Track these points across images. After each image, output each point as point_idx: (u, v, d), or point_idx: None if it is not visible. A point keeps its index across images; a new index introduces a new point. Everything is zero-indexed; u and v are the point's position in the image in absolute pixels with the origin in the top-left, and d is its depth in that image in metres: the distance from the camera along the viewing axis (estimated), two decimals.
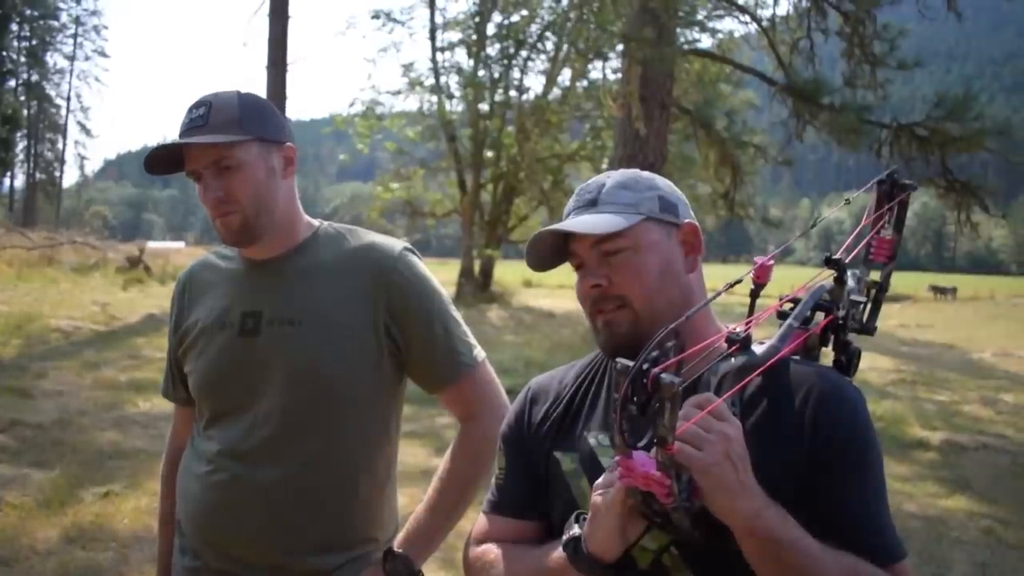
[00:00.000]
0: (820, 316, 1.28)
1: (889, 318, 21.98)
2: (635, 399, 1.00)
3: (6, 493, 4.99)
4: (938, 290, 33.90)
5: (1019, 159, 12.21)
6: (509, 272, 26.81)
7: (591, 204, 1.31)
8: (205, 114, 1.62)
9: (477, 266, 22.54)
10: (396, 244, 1.78)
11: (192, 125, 1.61)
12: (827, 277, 1.28)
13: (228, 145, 1.62)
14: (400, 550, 1.67)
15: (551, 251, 1.35)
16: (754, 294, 1.22)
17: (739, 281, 1.20)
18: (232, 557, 1.70)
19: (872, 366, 12.29)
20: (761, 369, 1.16)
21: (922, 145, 11.73)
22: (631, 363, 1.01)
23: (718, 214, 20.02)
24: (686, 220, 1.34)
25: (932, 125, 11.58)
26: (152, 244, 35.52)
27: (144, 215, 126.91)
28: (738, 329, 1.18)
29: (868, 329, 1.42)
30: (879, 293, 1.44)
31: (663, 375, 0.98)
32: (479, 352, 1.79)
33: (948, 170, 11.95)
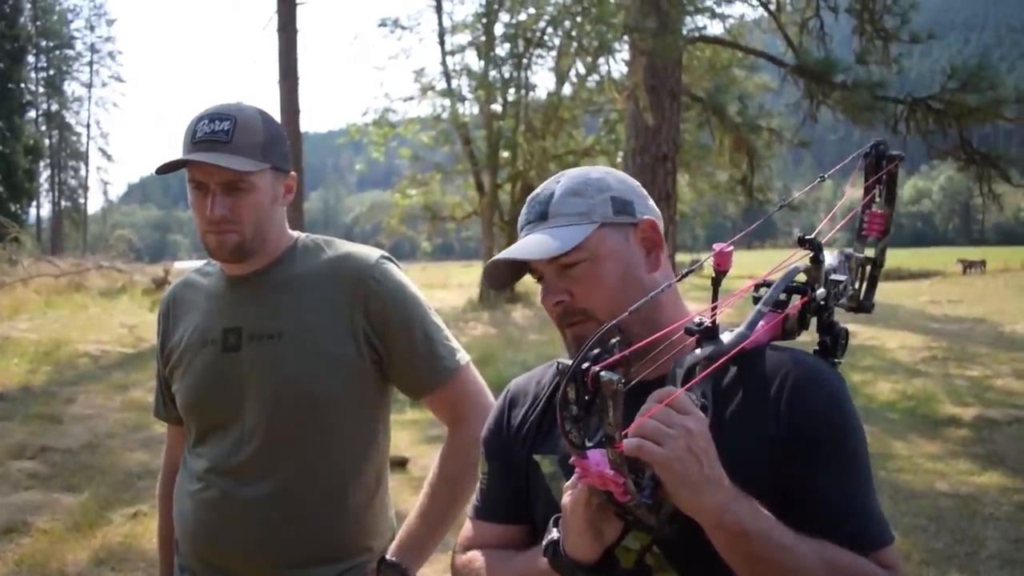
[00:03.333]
0: (798, 299, 1.24)
1: (918, 294, 21.70)
2: (581, 399, 0.98)
3: (36, 519, 5.05)
4: (967, 264, 33.43)
5: None
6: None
7: (541, 218, 1.27)
8: (230, 130, 1.60)
9: None
10: (372, 253, 1.78)
11: (214, 138, 1.59)
12: (802, 258, 1.23)
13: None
14: (393, 558, 1.66)
15: (510, 269, 1.33)
16: (715, 282, 1.15)
17: (693, 270, 1.16)
18: (228, 574, 1.70)
19: (902, 344, 12.16)
20: (726, 358, 1.11)
21: (938, 118, 11.57)
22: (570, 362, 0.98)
23: (737, 200, 19.89)
24: (644, 217, 1.28)
25: (947, 97, 11.43)
26: (179, 264, 35.84)
27: (169, 236, 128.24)
28: (699, 318, 1.13)
29: (865, 307, 1.40)
30: (874, 269, 1.40)
31: (603, 373, 0.95)
32: (462, 356, 1.78)
33: (966, 142, 11.79)
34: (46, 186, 56.63)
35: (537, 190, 1.32)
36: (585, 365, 0.97)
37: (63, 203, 57.79)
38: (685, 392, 1.05)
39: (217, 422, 1.72)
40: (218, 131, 1.60)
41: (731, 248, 1.13)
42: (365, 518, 1.75)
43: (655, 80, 11.88)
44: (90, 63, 59.17)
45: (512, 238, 22.67)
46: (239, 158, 1.60)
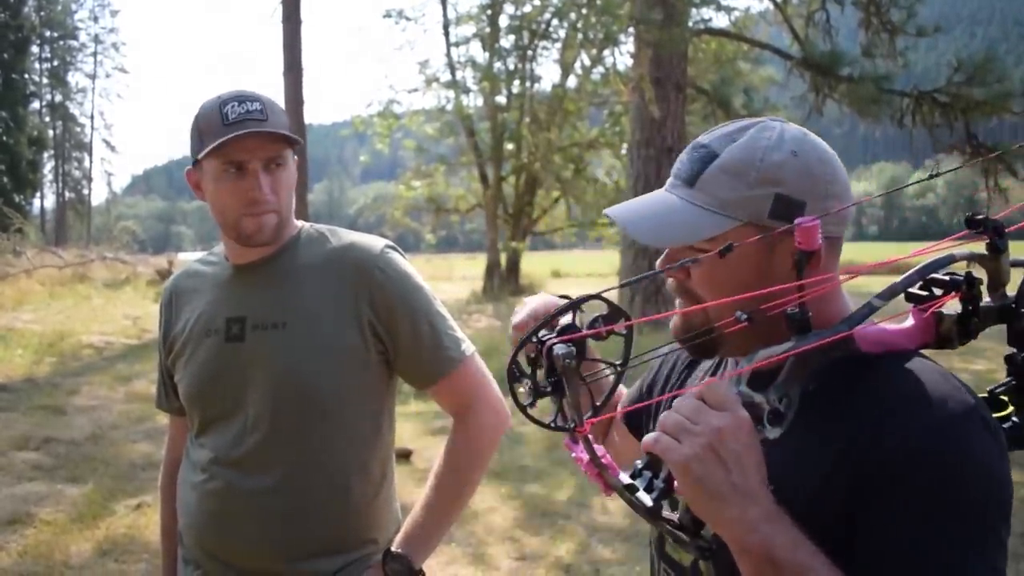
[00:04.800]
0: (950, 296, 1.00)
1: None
2: (551, 372, 0.88)
3: (40, 510, 5.06)
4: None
5: None
6: (536, 263, 26.80)
7: (689, 181, 1.04)
8: (262, 109, 1.61)
9: (504, 259, 22.56)
10: (377, 242, 1.76)
11: (251, 117, 1.59)
12: (962, 244, 0.96)
13: (284, 145, 1.63)
14: (399, 550, 1.65)
15: None
16: (798, 265, 0.94)
17: (730, 249, 0.92)
18: (232, 565, 1.69)
19: None
20: (789, 352, 0.91)
21: (945, 112, 11.54)
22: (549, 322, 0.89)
23: None
24: (807, 225, 0.97)
25: (953, 91, 11.39)
26: (183, 255, 35.90)
27: (173, 228, 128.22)
28: (790, 309, 0.93)
29: None
30: None
31: (557, 346, 0.85)
32: (468, 346, 1.77)
33: (972, 136, 11.75)
34: (50, 177, 56.83)
35: (709, 136, 1.06)
36: (545, 335, 0.88)
37: (67, 194, 57.89)
38: (739, 388, 0.92)
39: (220, 412, 1.71)
40: (253, 111, 1.60)
41: (817, 222, 0.92)
42: (370, 510, 1.74)
43: (660, 72, 11.83)
44: (94, 54, 59.16)
45: (516, 231, 22.74)
46: (283, 133, 1.62)
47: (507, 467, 6.05)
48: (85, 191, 60.30)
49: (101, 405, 8.01)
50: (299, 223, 1.80)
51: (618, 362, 0.93)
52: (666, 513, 0.92)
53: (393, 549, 1.66)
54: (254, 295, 1.72)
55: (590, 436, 0.89)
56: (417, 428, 7.07)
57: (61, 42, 57.68)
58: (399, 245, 1.81)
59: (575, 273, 31.19)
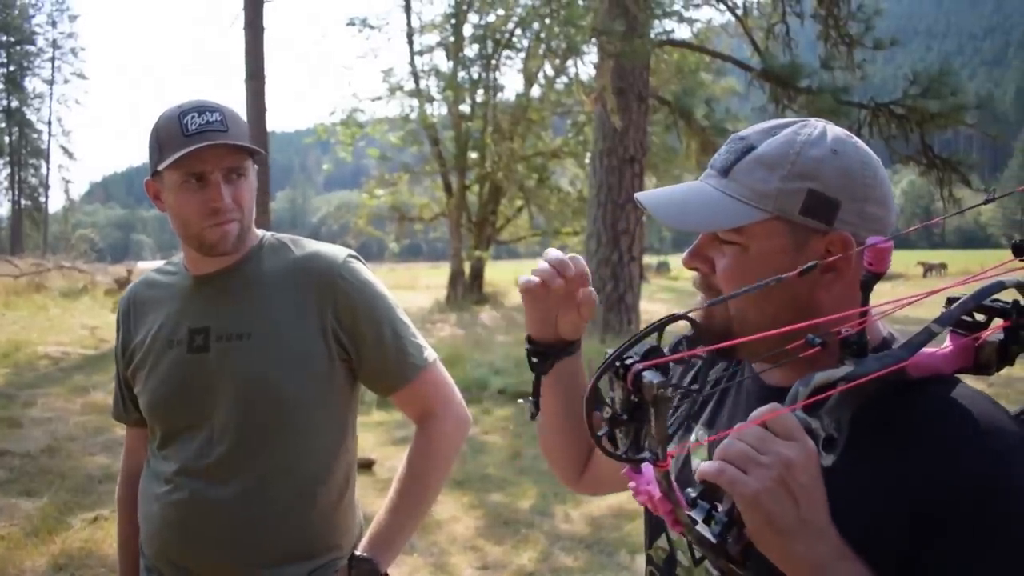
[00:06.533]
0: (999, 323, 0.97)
1: (880, 296, 21.95)
2: (628, 399, 0.84)
3: None
4: (928, 267, 33.97)
5: (996, 132, 12.24)
6: (500, 272, 26.83)
7: (724, 171, 1.01)
8: (223, 120, 1.61)
9: (468, 268, 22.57)
10: (340, 252, 1.77)
11: (211, 128, 1.59)
12: (1011, 271, 0.93)
13: (245, 155, 1.64)
14: (364, 554, 1.66)
15: None
16: (865, 287, 0.91)
17: (813, 266, 0.88)
18: (196, 575, 1.68)
19: None
20: (859, 381, 0.87)
21: (901, 123, 11.76)
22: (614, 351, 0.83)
23: None
24: (842, 229, 0.97)
25: (909, 103, 11.63)
26: (142, 264, 35.42)
27: (133, 236, 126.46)
28: (844, 330, 0.89)
29: None
30: None
31: (645, 372, 0.80)
32: (430, 353, 1.79)
33: (928, 147, 11.99)
34: (6, 184, 56.01)
35: (750, 129, 1.04)
36: (631, 360, 0.82)
37: (23, 202, 57.00)
38: (795, 413, 0.86)
39: (185, 423, 1.70)
40: (213, 122, 1.60)
41: (890, 243, 0.89)
42: (335, 517, 1.75)
43: (623, 83, 11.93)
44: (52, 59, 58.41)
45: (480, 240, 22.76)
46: (244, 145, 1.62)
47: (470, 476, 6.04)
48: (42, 198, 59.42)
49: (57, 417, 7.86)
50: (260, 232, 1.79)
51: (695, 386, 0.87)
52: (730, 548, 0.84)
53: (358, 552, 1.67)
54: (217, 306, 1.71)
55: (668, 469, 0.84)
56: (379, 438, 7.04)
57: (18, 47, 56.87)
58: (363, 254, 1.83)
59: None
